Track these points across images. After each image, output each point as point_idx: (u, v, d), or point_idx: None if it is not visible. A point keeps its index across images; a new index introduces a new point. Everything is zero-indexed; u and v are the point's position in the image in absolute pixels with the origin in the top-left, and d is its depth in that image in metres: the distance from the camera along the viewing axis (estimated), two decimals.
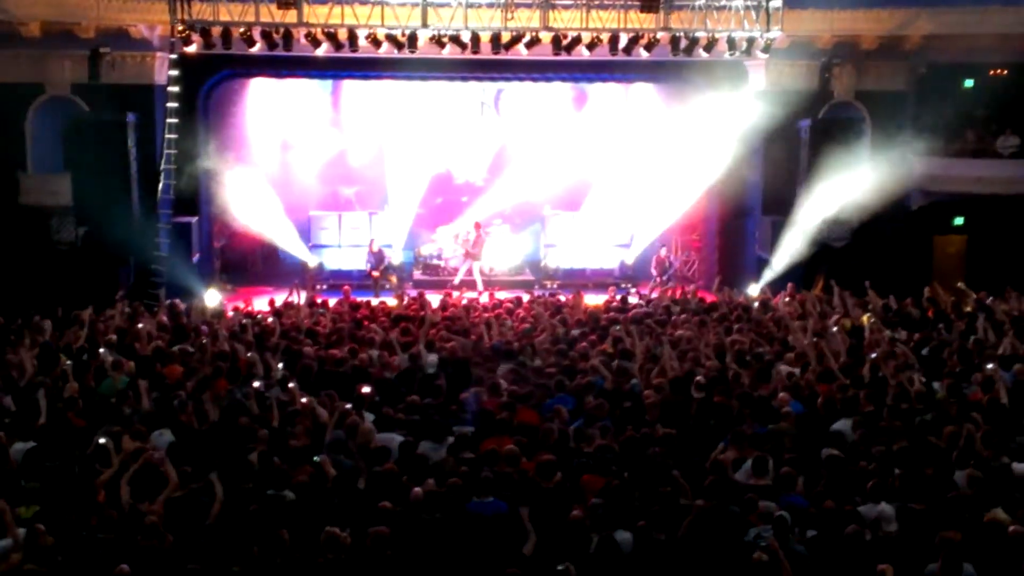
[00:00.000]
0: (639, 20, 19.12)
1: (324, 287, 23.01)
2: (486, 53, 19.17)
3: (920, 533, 8.42)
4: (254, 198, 25.61)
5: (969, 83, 22.25)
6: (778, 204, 21.94)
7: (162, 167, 20.44)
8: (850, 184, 21.16)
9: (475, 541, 8.33)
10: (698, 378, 12.31)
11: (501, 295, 19.34)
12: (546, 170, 26.34)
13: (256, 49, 18.80)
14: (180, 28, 18.31)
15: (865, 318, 15.63)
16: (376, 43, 18.77)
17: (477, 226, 24.07)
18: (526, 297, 18.47)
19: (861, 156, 21.70)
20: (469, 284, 22.80)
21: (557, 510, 8.76)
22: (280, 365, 12.86)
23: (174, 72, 20.12)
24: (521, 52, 19.19)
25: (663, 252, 23.85)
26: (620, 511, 8.68)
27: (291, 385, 11.69)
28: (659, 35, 19.17)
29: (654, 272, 23.46)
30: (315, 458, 9.45)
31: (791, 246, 21.01)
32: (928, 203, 22.36)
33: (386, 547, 8.08)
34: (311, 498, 8.87)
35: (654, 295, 19.74)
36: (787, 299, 17.52)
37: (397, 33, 18.72)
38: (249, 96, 25.27)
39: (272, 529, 8.13)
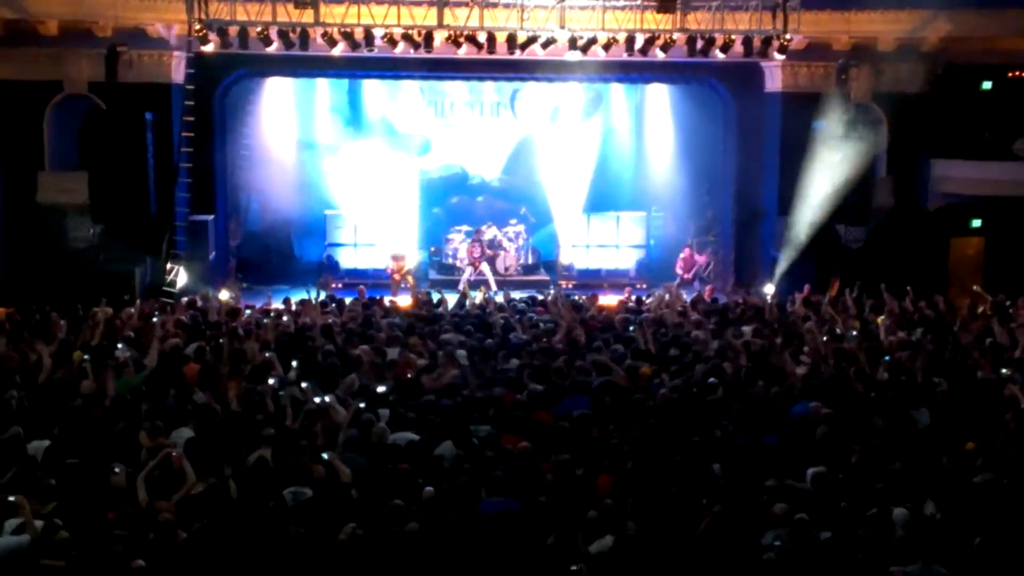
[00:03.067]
0: (655, 21, 19.09)
1: (339, 286, 23.07)
2: (502, 53, 19.17)
3: (935, 537, 8.38)
4: (269, 196, 25.75)
5: (987, 85, 22.08)
6: (794, 205, 21.88)
7: (179, 166, 20.51)
8: (866, 186, 21.14)
9: (487, 541, 8.34)
10: (711, 379, 12.33)
11: (516, 294, 19.36)
12: (562, 170, 26.32)
13: (273, 48, 18.84)
14: (197, 27, 18.36)
15: (880, 320, 15.58)
16: (392, 42, 18.79)
17: (482, 246, 23.92)
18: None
19: (878, 158, 21.65)
20: (483, 284, 22.76)
21: (571, 510, 8.76)
22: (294, 363, 12.91)
23: (191, 71, 20.19)
24: (537, 52, 19.18)
25: (686, 252, 23.71)
26: (633, 511, 8.69)
27: (304, 384, 11.71)
28: (675, 36, 19.12)
29: (679, 272, 23.33)
30: (323, 455, 9.44)
31: (806, 247, 20.97)
32: (945, 205, 22.26)
33: (397, 546, 8.10)
34: (327, 496, 8.89)
35: (667, 296, 19.60)
36: (802, 300, 17.50)
37: (413, 33, 18.74)
38: (265, 95, 25.34)
39: (288, 527, 8.16)
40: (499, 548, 8.22)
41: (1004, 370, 12.61)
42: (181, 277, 20.07)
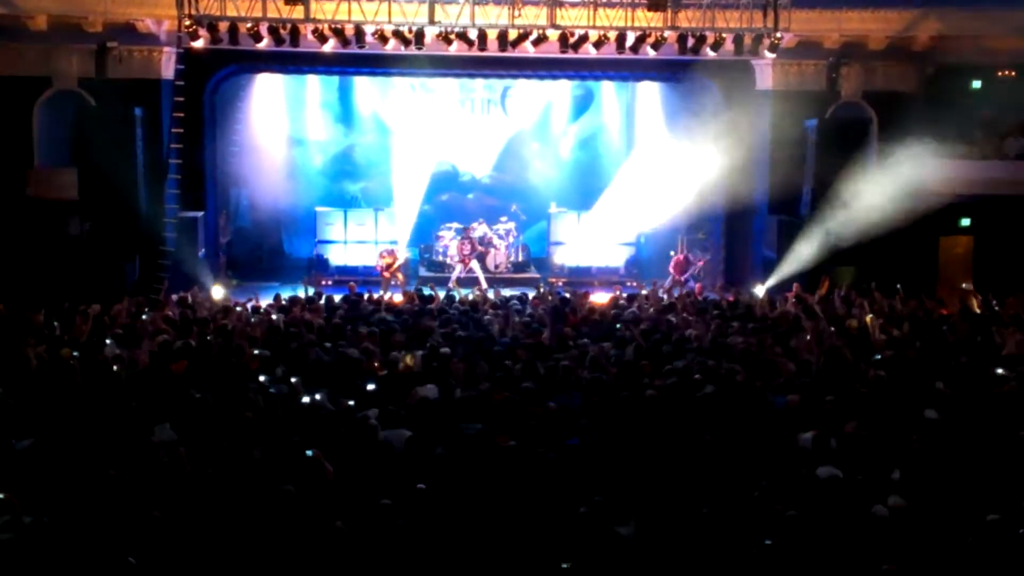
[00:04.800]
0: (646, 18, 19.08)
1: (329, 283, 23.05)
2: (493, 50, 19.15)
3: (925, 533, 8.40)
4: (259, 193, 25.72)
5: (977, 84, 22.15)
6: (784, 204, 21.93)
7: (168, 162, 20.47)
8: (856, 185, 21.15)
9: (478, 538, 8.34)
10: (696, 375, 12.34)
11: (506, 292, 19.37)
12: (552, 168, 26.33)
13: (263, 45, 18.79)
14: (187, 23, 18.29)
15: (869, 319, 15.62)
16: (383, 39, 18.76)
17: (473, 244, 23.88)
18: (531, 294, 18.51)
19: (868, 157, 21.68)
20: (473, 282, 22.78)
21: (561, 506, 8.76)
22: (284, 361, 12.88)
23: (181, 67, 20.14)
24: (528, 50, 19.16)
25: (681, 254, 23.70)
26: (623, 507, 8.69)
27: (293, 380, 11.68)
28: (666, 33, 19.13)
29: (672, 271, 23.34)
30: (308, 452, 9.41)
31: (797, 246, 21.00)
32: (935, 204, 22.28)
33: (387, 542, 8.10)
34: (314, 492, 8.87)
35: (664, 294, 19.59)
36: (793, 299, 17.53)
37: (404, 29, 18.71)
38: (255, 91, 25.30)
39: (275, 522, 8.14)
40: (490, 545, 8.22)
41: (999, 370, 12.65)
42: (170, 274, 19.99)
